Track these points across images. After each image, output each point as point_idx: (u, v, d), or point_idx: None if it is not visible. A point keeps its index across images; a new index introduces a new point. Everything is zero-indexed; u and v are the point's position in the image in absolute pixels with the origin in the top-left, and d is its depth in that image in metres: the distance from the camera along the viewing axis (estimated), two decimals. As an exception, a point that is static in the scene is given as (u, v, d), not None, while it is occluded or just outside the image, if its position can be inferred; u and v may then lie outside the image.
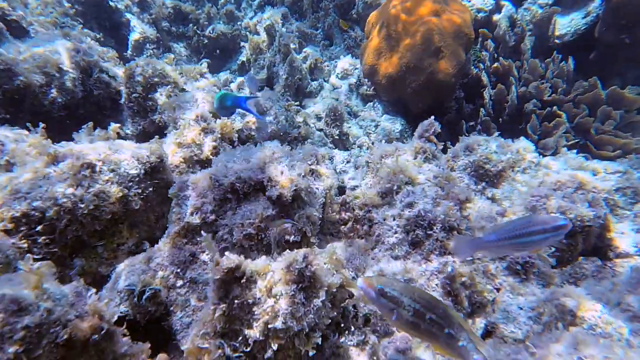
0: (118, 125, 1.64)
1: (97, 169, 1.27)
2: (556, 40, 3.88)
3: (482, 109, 3.36)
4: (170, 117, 1.83)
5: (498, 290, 1.28)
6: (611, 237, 1.89)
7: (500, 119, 3.46)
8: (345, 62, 4.21)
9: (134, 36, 3.63)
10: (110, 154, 1.31)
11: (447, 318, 0.92)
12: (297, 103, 2.95)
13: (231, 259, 0.92)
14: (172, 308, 1.03)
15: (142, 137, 2.08)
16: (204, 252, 1.16)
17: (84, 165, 1.25)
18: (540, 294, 1.19)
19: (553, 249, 1.50)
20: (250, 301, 0.91)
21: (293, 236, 1.16)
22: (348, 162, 2.78)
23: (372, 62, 3.41)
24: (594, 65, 3.85)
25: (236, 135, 1.83)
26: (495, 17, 3.97)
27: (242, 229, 1.14)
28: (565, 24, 3.89)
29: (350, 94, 3.77)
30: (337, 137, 2.89)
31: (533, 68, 3.27)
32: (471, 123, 3.53)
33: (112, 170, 1.28)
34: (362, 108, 3.59)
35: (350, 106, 3.65)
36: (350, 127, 3.40)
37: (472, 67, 3.61)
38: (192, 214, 1.15)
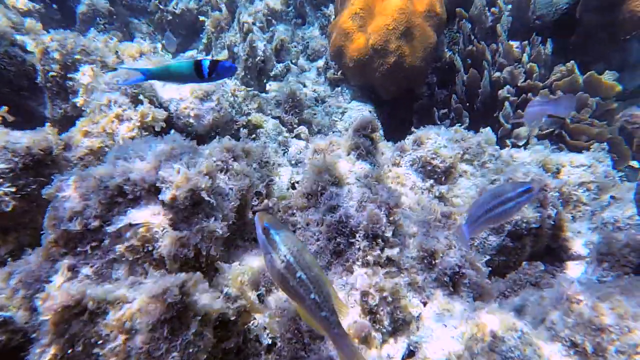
0: (5, 108, 1.45)
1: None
2: (537, 21, 3.67)
3: (454, 96, 3.19)
4: (85, 100, 1.64)
5: (425, 304, 1.16)
6: (565, 237, 1.78)
7: (475, 106, 3.30)
8: (317, 43, 3.97)
9: (81, 8, 3.34)
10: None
11: (316, 283, 0.87)
12: (250, 88, 2.74)
13: (71, 292, 0.77)
14: (35, 335, 0.88)
15: (65, 121, 1.88)
16: (88, 264, 1.01)
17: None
18: (466, 309, 1.08)
19: (488, 257, 1.38)
20: (93, 340, 0.77)
21: (187, 250, 1.01)
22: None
23: (339, 43, 3.19)
24: (578, 47, 3.68)
25: (161, 123, 1.65)
26: (474, -5, 3.73)
27: (125, 240, 0.99)
28: (547, 3, 3.68)
29: (318, 77, 3.55)
30: (295, 125, 2.71)
31: (507, 52, 3.09)
32: (444, 110, 3.36)
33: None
34: (330, 93, 3.39)
35: (318, 91, 3.45)
36: (315, 114, 3.21)
37: (447, 50, 3.41)
38: (70, 219, 0.99)
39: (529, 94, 3.15)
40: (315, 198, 1.26)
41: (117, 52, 2.21)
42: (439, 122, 3.31)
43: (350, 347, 0.88)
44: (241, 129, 2.29)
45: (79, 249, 1.02)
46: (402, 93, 3.31)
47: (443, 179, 1.67)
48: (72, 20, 3.50)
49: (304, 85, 3.47)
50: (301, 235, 1.22)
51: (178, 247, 0.98)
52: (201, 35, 4.07)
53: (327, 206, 1.19)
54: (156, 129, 1.61)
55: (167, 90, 2.02)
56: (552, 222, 1.62)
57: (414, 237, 1.25)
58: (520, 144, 3.11)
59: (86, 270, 1.01)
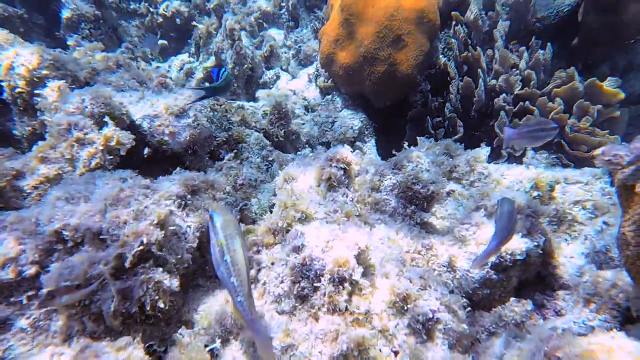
0: None
1: None
2: (537, 23, 3.53)
3: (448, 104, 3.07)
4: (50, 121, 1.55)
5: (396, 354, 1.07)
6: (556, 264, 1.68)
7: (470, 115, 3.18)
8: (309, 48, 3.87)
9: (66, 13, 3.25)
10: None
11: (237, 268, 0.91)
12: (234, 100, 2.65)
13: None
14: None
15: (34, 139, 1.80)
16: (24, 315, 0.94)
17: None
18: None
19: (463, 296, 1.28)
20: None
21: (129, 303, 0.93)
22: (291, 166, 2.52)
23: (329, 51, 3.09)
24: (581, 49, 3.53)
25: (127, 146, 1.55)
26: (471, -3, 3.59)
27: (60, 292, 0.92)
28: (547, 5, 3.53)
29: (309, 84, 3.45)
30: (282, 138, 2.61)
31: (504, 58, 2.96)
32: (438, 118, 3.24)
33: None
34: (320, 101, 3.29)
35: (308, 99, 3.35)
36: (303, 123, 3.12)
37: (442, 56, 3.28)
38: (3, 266, 0.91)
39: (527, 102, 3.02)
40: (281, 234, 1.18)
41: (90, 64, 2.13)
42: (432, 131, 3.20)
43: (264, 333, 0.91)
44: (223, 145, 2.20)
45: (12, 298, 0.94)
46: (396, 101, 3.20)
47: (425, 204, 1.57)
48: (57, 25, 3.42)
49: (294, 93, 3.37)
50: (265, 276, 1.14)
51: (119, 300, 0.90)
52: (189, 40, 3.98)
53: (291, 246, 1.10)
54: (121, 153, 1.53)
55: (140, 108, 1.93)
56: (541, 251, 1.52)
57: (386, 278, 1.15)
58: (517, 154, 2.99)
59: (21, 323, 0.93)
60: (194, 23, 3.80)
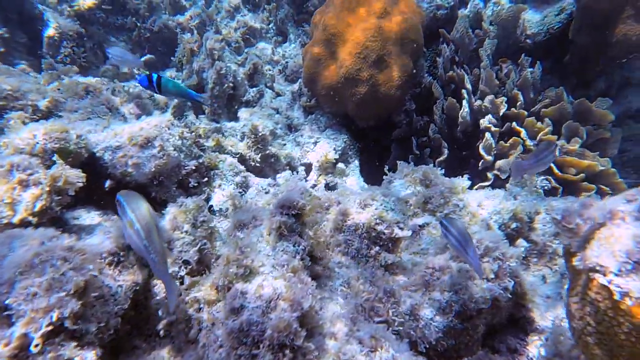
0: None
1: None
2: (527, 40, 3.46)
3: (432, 125, 3.00)
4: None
5: None
6: (529, 306, 1.59)
7: (456, 136, 3.10)
8: (296, 64, 3.81)
9: (48, 32, 3.23)
10: None
11: (150, 238, 1.01)
12: (208, 125, 2.60)
13: None
14: None
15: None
16: None
17: None
18: None
19: (426, 347, 1.20)
20: None
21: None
22: (267, 192, 2.46)
23: (311, 70, 3.03)
24: (574, 66, 3.45)
25: (77, 185, 1.49)
26: (461, 12, 3.53)
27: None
28: (538, 22, 3.46)
29: (293, 103, 3.39)
30: (258, 163, 2.55)
31: (489, 79, 2.88)
32: (424, 138, 3.17)
33: None
34: (304, 121, 3.23)
35: (292, 118, 3.29)
36: (285, 144, 3.06)
37: (427, 75, 3.22)
38: None
39: (514, 123, 2.94)
40: (224, 291, 1.11)
41: (59, 90, 2.08)
42: (418, 152, 3.13)
43: (174, 287, 1.06)
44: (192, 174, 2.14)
45: None
46: (380, 121, 3.13)
47: (390, 245, 1.49)
48: (41, 44, 3.40)
49: (277, 112, 3.31)
50: (205, 338, 1.07)
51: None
52: (172, 58, 3.95)
53: (229, 307, 1.03)
54: (70, 193, 1.47)
55: (103, 138, 1.88)
56: (510, 295, 1.44)
57: (334, 340, 1.08)
58: (504, 177, 2.91)
59: None
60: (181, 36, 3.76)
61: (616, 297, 0.72)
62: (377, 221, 1.46)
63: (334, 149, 2.99)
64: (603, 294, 0.78)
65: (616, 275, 0.73)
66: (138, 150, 1.89)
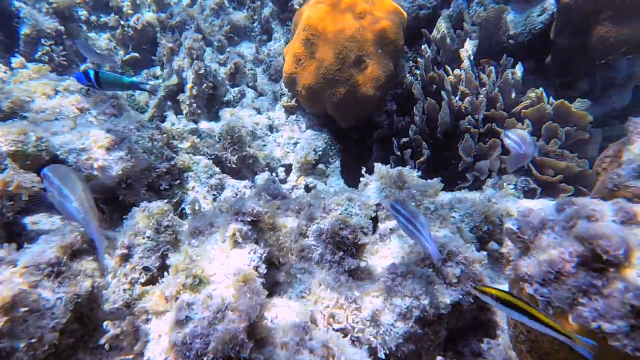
0: None
1: None
2: (510, 40, 3.45)
3: (412, 126, 2.98)
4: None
5: None
6: (494, 310, 1.59)
7: (437, 136, 3.09)
8: (279, 63, 3.78)
9: (24, 30, 3.17)
10: None
11: (75, 194, 1.08)
12: (184, 125, 2.56)
13: None
14: None
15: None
16: None
17: None
18: None
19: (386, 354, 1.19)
20: None
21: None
22: (245, 194, 2.43)
23: (291, 70, 3.00)
24: (556, 67, 3.45)
25: (31, 190, 1.46)
26: (443, 12, 3.52)
27: None
28: (520, 22, 3.45)
29: (274, 103, 3.37)
30: (234, 164, 2.53)
31: (469, 80, 2.87)
32: (405, 139, 3.16)
33: None
34: (284, 121, 3.21)
35: (273, 118, 3.26)
36: (265, 145, 3.03)
37: (408, 75, 3.20)
38: None
39: (493, 124, 2.94)
40: (172, 301, 1.09)
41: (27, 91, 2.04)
42: (399, 152, 3.11)
43: (102, 241, 1.09)
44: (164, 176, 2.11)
45: None
46: (361, 121, 3.11)
47: (354, 250, 1.48)
48: (18, 42, 3.34)
49: (259, 112, 3.29)
50: (150, 352, 1.04)
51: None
52: (153, 57, 3.90)
53: (175, 319, 1.01)
54: (23, 198, 1.44)
55: (67, 140, 1.85)
56: (472, 300, 1.43)
57: (285, 350, 1.07)
58: (483, 178, 2.91)
59: None
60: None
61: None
62: (341, 226, 1.45)
63: (314, 150, 2.97)
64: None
65: (540, 285, 0.72)
66: (104, 152, 1.86)
